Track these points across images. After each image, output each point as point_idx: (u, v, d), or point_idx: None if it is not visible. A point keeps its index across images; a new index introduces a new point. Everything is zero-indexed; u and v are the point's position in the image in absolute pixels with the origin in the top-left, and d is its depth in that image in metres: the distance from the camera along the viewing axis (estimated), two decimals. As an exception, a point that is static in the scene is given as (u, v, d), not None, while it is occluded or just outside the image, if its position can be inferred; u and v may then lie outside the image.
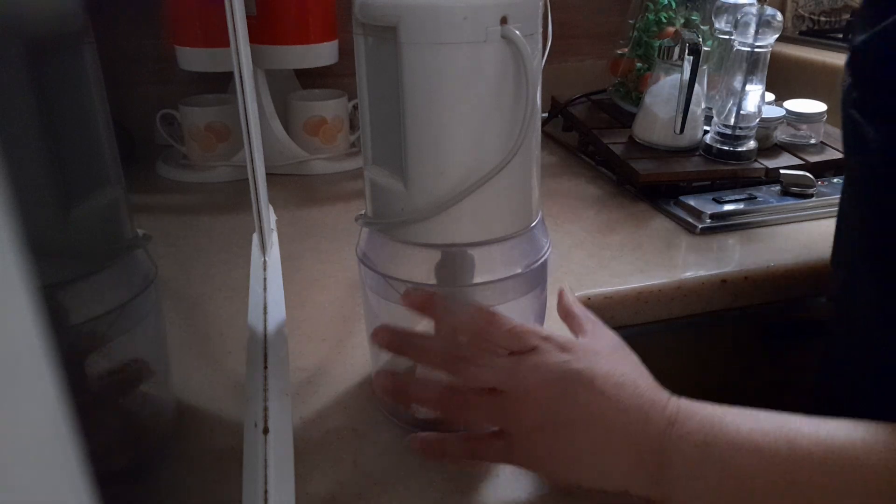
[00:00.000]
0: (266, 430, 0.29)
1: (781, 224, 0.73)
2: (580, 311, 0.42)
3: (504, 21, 0.34)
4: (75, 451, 0.10)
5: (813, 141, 0.87)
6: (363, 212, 0.43)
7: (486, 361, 0.37)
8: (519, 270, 0.42)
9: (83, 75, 0.32)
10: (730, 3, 0.85)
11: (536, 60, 0.37)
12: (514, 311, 0.40)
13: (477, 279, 0.42)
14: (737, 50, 0.78)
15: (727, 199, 0.75)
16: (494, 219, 0.39)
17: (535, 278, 0.43)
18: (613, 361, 0.37)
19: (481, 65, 0.35)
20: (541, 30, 0.38)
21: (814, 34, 1.23)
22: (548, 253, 0.43)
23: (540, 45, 0.38)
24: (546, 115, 1.03)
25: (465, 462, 0.40)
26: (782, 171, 0.78)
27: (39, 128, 0.29)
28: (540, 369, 0.36)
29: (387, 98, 0.37)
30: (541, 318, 0.45)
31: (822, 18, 1.27)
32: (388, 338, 0.39)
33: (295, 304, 0.58)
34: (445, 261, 0.41)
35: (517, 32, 0.34)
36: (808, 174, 0.77)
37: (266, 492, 0.26)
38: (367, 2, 0.36)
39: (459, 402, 0.37)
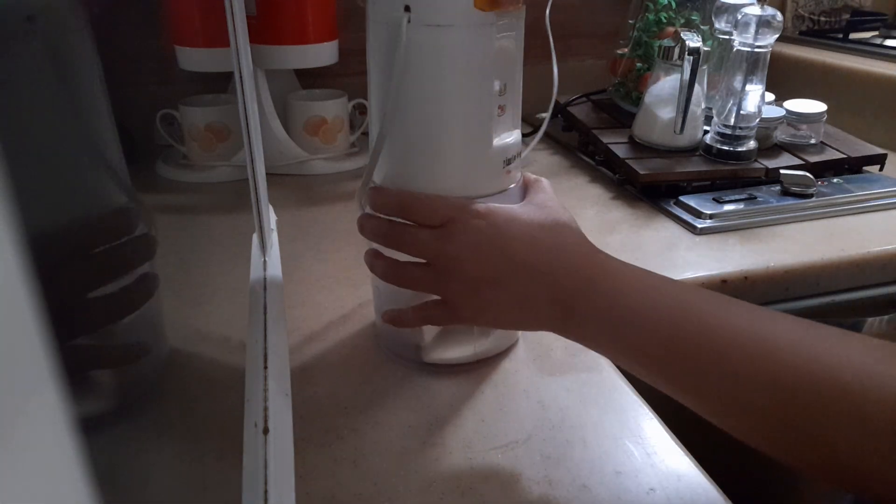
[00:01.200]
0: (266, 430, 0.29)
1: (781, 224, 0.73)
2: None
3: (407, 9, 0.39)
4: (77, 451, 0.10)
5: (813, 141, 0.87)
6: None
7: (410, 238, 0.42)
8: None
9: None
10: (730, 3, 0.85)
11: (435, 46, 0.41)
12: None
13: None
14: (737, 50, 0.78)
15: (727, 199, 0.75)
16: (462, 178, 0.44)
17: None
18: (528, 218, 0.41)
19: (385, 42, 0.41)
20: (459, 23, 0.40)
21: (814, 34, 1.23)
22: None
23: (457, 35, 0.40)
24: (546, 114, 1.03)
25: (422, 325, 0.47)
26: (782, 171, 0.78)
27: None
28: (457, 238, 0.40)
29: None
30: None
31: (822, 18, 1.27)
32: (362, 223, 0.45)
33: (295, 304, 0.58)
34: None
35: (406, 21, 0.39)
36: (808, 174, 0.77)
37: (266, 492, 0.26)
38: None
39: (399, 273, 0.44)
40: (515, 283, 0.39)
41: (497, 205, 0.42)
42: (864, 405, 0.28)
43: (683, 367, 0.34)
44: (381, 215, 0.44)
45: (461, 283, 0.41)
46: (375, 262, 0.45)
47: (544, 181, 0.47)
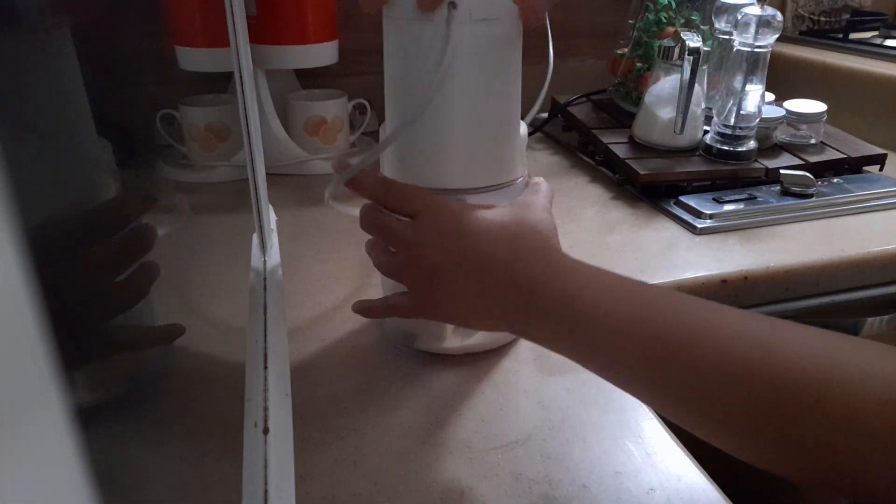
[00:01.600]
0: (266, 430, 0.29)
1: (781, 224, 0.73)
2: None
3: (453, 6, 0.40)
4: (77, 451, 0.10)
5: (813, 141, 0.87)
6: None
7: (385, 225, 0.43)
8: None
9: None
10: (730, 3, 0.85)
11: (480, 40, 0.42)
12: None
13: None
14: (737, 50, 0.78)
15: (727, 199, 0.75)
16: (479, 170, 0.46)
17: None
18: (495, 215, 0.41)
19: (426, 39, 0.42)
20: (501, 16, 0.42)
21: (814, 34, 1.23)
22: None
23: (501, 29, 0.42)
24: (546, 115, 1.03)
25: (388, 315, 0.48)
26: (782, 171, 0.78)
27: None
28: (422, 229, 0.41)
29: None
30: None
31: (822, 18, 1.27)
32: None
33: (295, 304, 0.58)
34: None
35: (453, 15, 0.40)
36: (808, 174, 0.77)
37: (266, 492, 0.26)
38: None
39: (379, 259, 0.45)
40: (471, 276, 0.40)
41: (469, 202, 0.43)
42: (829, 400, 0.28)
43: (643, 368, 0.34)
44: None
45: (421, 272, 0.42)
46: (371, 249, 0.47)
47: (543, 185, 0.46)
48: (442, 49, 0.40)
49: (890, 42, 1.12)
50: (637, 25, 0.97)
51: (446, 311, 0.43)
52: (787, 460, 0.30)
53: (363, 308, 0.47)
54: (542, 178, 0.47)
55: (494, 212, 0.41)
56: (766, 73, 0.78)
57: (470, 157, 0.45)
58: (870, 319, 0.72)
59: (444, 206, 0.41)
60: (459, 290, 0.40)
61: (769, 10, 0.75)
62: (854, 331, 0.73)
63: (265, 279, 0.44)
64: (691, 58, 0.76)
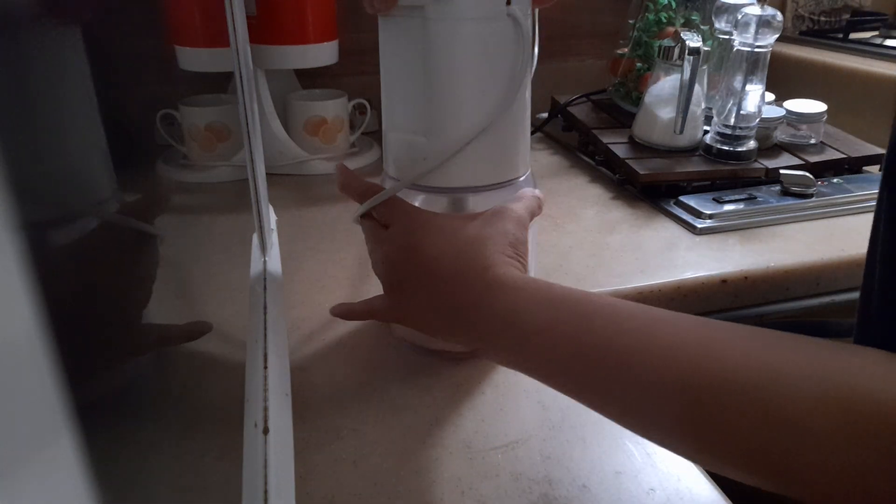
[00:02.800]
0: (266, 430, 0.29)
1: (781, 224, 0.73)
2: None
3: (509, 2, 0.41)
4: (77, 452, 0.10)
5: (813, 141, 0.87)
6: (380, 177, 0.50)
7: (369, 233, 0.46)
8: None
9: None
10: (730, 3, 0.85)
11: (491, 39, 0.44)
12: None
13: None
14: (737, 50, 0.78)
15: (727, 199, 0.75)
16: (487, 169, 0.46)
17: None
18: (454, 229, 0.42)
19: (489, 38, 0.42)
20: (529, 12, 0.44)
21: (814, 34, 1.23)
22: None
23: (530, 24, 0.44)
24: (546, 115, 1.03)
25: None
26: (782, 171, 0.78)
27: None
28: (392, 239, 0.43)
29: (412, 68, 0.44)
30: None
31: (822, 18, 1.27)
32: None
33: (295, 304, 0.58)
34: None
35: (518, 11, 0.42)
36: (808, 174, 0.77)
37: (266, 492, 0.26)
38: None
39: (370, 254, 0.47)
40: (424, 292, 0.40)
41: (443, 214, 0.44)
42: (769, 401, 0.28)
43: (589, 380, 0.34)
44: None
45: (389, 281, 0.44)
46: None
47: (528, 194, 0.46)
48: (522, 46, 0.42)
49: (890, 42, 1.12)
50: (637, 25, 0.97)
51: (412, 320, 0.43)
52: (737, 465, 0.29)
53: (345, 311, 0.47)
54: (535, 190, 0.47)
55: (458, 226, 0.42)
56: (766, 73, 0.78)
57: (480, 157, 0.45)
58: (870, 319, 0.72)
59: (414, 219, 0.42)
60: (419, 304, 0.41)
61: (769, 10, 0.75)
62: (854, 331, 0.73)
63: (265, 279, 0.44)
64: (691, 58, 0.76)
